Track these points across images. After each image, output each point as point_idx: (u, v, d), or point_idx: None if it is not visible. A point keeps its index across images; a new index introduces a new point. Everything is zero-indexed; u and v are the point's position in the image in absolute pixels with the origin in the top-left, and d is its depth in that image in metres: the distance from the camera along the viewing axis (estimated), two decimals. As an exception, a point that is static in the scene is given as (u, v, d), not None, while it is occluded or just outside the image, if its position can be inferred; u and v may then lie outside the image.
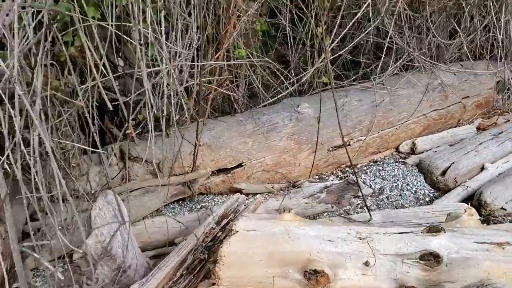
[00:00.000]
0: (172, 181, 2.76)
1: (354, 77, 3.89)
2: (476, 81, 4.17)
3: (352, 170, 3.09)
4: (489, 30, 4.29)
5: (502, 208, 2.91)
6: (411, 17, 4.05)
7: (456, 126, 4.08)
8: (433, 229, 1.96)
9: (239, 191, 3.01)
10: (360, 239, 1.93)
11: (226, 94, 3.34)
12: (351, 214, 2.92)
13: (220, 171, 3.05)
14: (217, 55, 2.76)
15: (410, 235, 1.96)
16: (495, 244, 1.95)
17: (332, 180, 3.24)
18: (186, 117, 2.75)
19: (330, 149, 3.35)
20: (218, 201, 2.99)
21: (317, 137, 3.12)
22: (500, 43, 4.13)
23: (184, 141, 2.77)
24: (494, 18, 4.11)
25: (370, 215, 2.51)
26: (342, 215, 2.86)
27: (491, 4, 4.03)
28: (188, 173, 2.84)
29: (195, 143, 2.73)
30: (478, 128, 4.10)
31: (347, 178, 3.17)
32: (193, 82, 2.56)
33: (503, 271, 1.88)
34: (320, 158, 3.27)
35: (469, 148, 3.48)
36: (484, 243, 1.95)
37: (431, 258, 1.86)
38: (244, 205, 2.38)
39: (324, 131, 3.26)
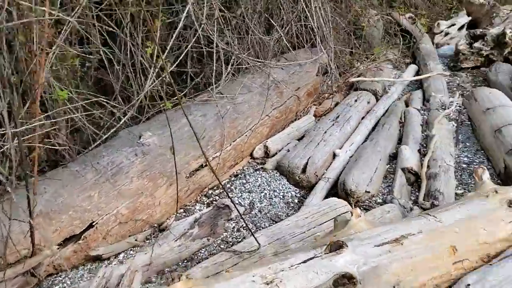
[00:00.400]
0: (8, 275, 2.12)
1: (184, 92, 3.61)
2: (302, 71, 4.29)
3: (223, 189, 2.84)
4: (300, 19, 4.45)
5: (366, 191, 2.99)
6: (229, 18, 3.94)
7: (295, 119, 4.14)
8: (335, 246, 1.82)
9: (98, 257, 2.50)
10: (268, 284, 1.68)
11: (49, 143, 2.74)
12: (232, 243, 2.67)
13: (68, 240, 2.47)
14: (29, 104, 2.19)
15: (316, 260, 1.78)
16: (394, 242, 1.89)
17: (200, 210, 2.93)
18: (6, 190, 2.12)
19: (188, 175, 3.02)
20: (74, 278, 2.43)
21: (175, 166, 2.75)
22: (316, 30, 4.30)
23: (12, 220, 2.14)
24: (304, 7, 4.25)
25: (257, 242, 2.29)
26: (224, 248, 2.59)
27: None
28: (27, 257, 2.22)
29: (29, 218, 2.13)
30: (315, 116, 4.23)
31: (215, 203, 2.90)
32: (7, 146, 1.96)
33: (410, 268, 1.84)
34: (180, 189, 2.92)
35: (317, 139, 3.53)
36: (384, 244, 1.88)
37: (345, 281, 1.71)
38: (117, 282, 1.91)
39: (177, 158, 2.91)
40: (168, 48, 3.37)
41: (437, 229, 2.00)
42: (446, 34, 6.28)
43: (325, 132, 3.64)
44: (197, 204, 3.05)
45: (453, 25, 6.36)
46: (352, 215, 2.08)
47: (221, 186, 2.70)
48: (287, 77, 4.09)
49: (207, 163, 2.82)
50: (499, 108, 3.65)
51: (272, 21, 4.25)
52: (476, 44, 5.40)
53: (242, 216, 2.68)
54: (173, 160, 2.77)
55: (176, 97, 3.47)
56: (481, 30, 5.58)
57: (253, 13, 4.11)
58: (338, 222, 2.14)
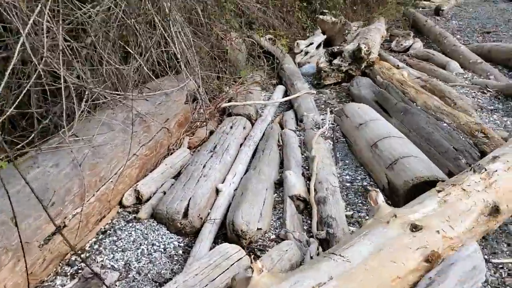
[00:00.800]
0: None
1: (31, 137, 2.98)
2: (170, 100, 3.91)
3: (82, 260, 2.30)
4: (160, 44, 4.07)
5: (258, 229, 2.70)
6: (77, 48, 3.41)
7: (168, 154, 3.73)
8: (241, 320, 1.46)
9: None
10: None
11: None
12: (107, 321, 2.15)
13: None
14: None
15: None
16: (308, 296, 1.60)
17: (62, 286, 2.34)
18: None
19: (42, 243, 2.42)
20: None
21: (20, 236, 2.16)
22: (179, 55, 3.96)
23: None
24: (163, 32, 3.89)
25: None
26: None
27: (157, 19, 3.78)
28: None
29: None
30: (189, 148, 3.87)
31: (82, 272, 2.35)
32: None
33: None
34: (33, 263, 2.32)
35: (196, 174, 3.16)
36: (297, 302, 1.58)
37: None
38: None
39: (26, 223, 2.32)
40: (1, 88, 2.74)
41: (347, 271, 1.77)
42: (306, 53, 6.44)
43: (204, 166, 3.29)
44: (58, 277, 2.44)
45: (311, 44, 6.56)
46: (252, 270, 1.75)
47: (80, 255, 2.17)
48: (154, 108, 3.68)
49: (57, 228, 2.28)
50: (371, 123, 3.68)
51: (129, 49, 3.81)
52: (335, 61, 5.57)
53: (118, 281, 2.18)
54: (21, 226, 2.19)
55: (20, 146, 2.89)
56: (337, 47, 5.80)
57: (106, 41, 3.63)
58: (237, 281, 1.80)
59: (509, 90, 4.62)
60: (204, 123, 4.17)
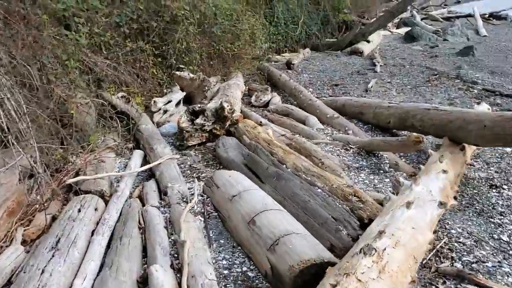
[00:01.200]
0: None
1: None
2: (-5, 184, 3.09)
3: None
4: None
5: None
6: None
7: (-5, 255, 2.88)
8: None
9: None
10: None
11: None
12: None
13: None
14: None
15: None
16: None
17: None
18: None
19: None
20: None
21: None
22: (6, 128, 3.19)
23: None
24: None
25: None
26: None
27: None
28: None
29: None
30: (24, 243, 3.06)
31: None
32: None
33: None
34: None
35: (32, 286, 2.41)
36: None
37: None
38: None
39: None
40: None
41: None
42: (165, 111, 5.97)
43: (43, 271, 2.55)
44: None
45: (170, 101, 6.12)
46: None
47: None
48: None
49: None
50: (244, 194, 3.31)
51: None
52: (198, 120, 5.19)
53: None
54: None
55: None
56: (199, 105, 5.44)
57: None
58: None
59: (370, 147, 4.71)
60: (44, 207, 3.38)
